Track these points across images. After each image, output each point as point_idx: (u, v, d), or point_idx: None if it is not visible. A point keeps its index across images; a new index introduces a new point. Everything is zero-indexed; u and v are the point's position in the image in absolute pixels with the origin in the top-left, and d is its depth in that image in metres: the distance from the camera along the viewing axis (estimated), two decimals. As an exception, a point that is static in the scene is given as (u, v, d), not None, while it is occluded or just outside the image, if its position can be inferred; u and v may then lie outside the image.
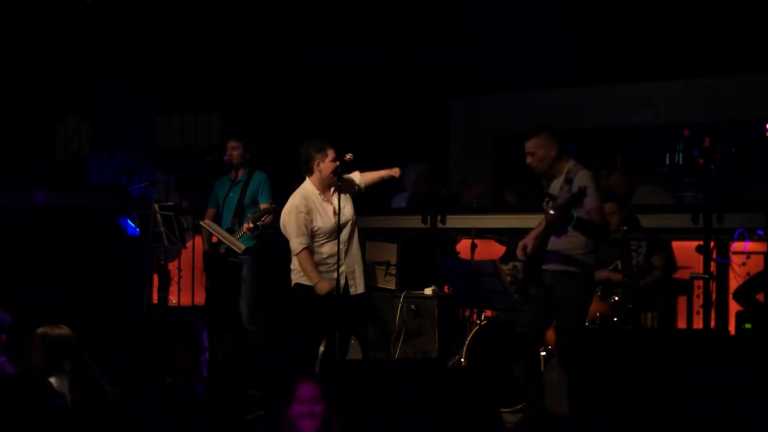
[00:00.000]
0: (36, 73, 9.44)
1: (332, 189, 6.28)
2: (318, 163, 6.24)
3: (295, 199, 6.30)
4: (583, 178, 5.59)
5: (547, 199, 5.79)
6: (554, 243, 5.65)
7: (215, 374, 7.27)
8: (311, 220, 6.25)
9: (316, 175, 6.28)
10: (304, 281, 6.28)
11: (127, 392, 4.81)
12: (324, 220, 6.27)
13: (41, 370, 4.60)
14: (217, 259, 7.37)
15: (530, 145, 5.81)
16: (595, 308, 6.64)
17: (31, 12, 9.38)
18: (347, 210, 6.29)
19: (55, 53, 9.81)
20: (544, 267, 5.72)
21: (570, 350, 5.76)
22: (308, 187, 6.32)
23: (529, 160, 5.83)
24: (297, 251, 6.23)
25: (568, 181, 5.58)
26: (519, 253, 5.82)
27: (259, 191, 7.36)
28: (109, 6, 10.28)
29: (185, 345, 4.95)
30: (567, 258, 5.68)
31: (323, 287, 6.16)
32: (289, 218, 6.25)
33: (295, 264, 6.36)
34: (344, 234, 6.25)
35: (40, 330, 4.75)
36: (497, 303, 6.25)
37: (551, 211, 5.45)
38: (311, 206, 6.26)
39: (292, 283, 6.41)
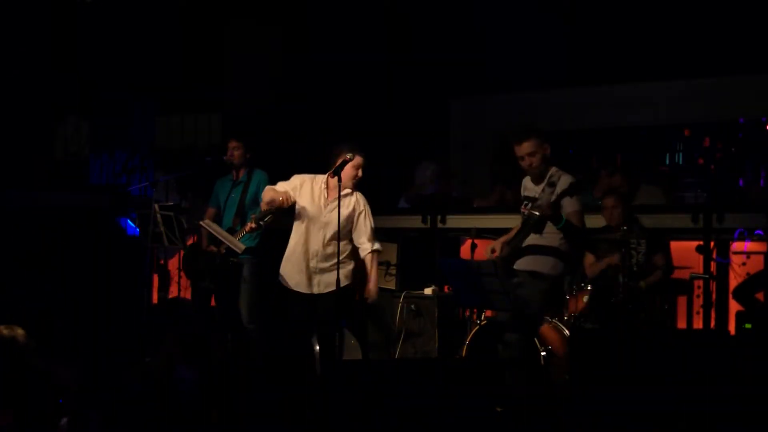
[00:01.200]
0: (36, 73, 9.45)
1: (344, 192, 6.27)
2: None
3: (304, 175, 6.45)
4: (566, 182, 5.63)
5: (525, 202, 5.86)
6: (530, 240, 5.71)
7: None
8: (296, 195, 6.33)
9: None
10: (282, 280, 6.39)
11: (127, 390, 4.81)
12: (311, 204, 6.34)
13: None
14: (200, 255, 7.37)
15: (528, 147, 5.82)
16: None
17: (31, 12, 9.38)
18: (339, 214, 6.21)
19: (55, 53, 9.82)
20: (515, 267, 5.80)
21: (521, 346, 5.81)
22: (323, 176, 6.39)
23: (528, 161, 5.85)
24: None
25: (551, 184, 5.62)
26: (486, 254, 5.89)
27: (260, 190, 7.36)
28: (109, 6, 10.29)
29: (173, 330, 4.91)
30: (538, 258, 5.76)
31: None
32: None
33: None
34: (321, 233, 6.30)
35: None
36: (497, 303, 6.23)
37: (536, 212, 5.49)
38: (309, 186, 6.38)
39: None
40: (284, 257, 6.43)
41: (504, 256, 5.76)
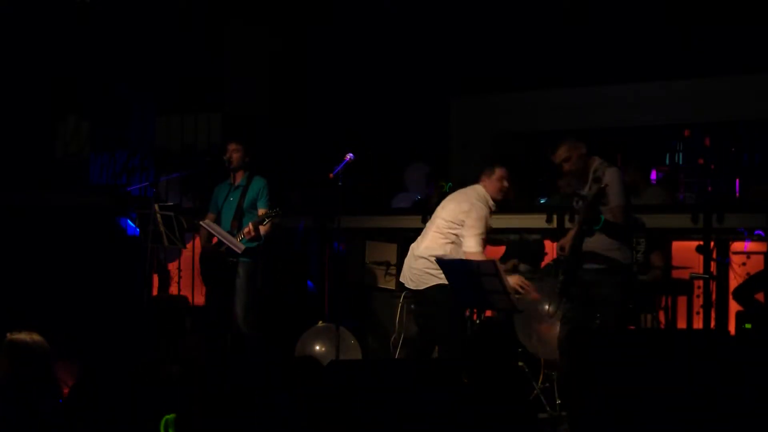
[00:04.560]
0: (36, 73, 9.46)
1: None
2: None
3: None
4: (609, 176, 5.72)
5: (577, 199, 5.92)
6: (587, 243, 5.79)
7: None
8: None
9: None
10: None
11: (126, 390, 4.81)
12: None
13: (9, 378, 4.49)
14: (214, 259, 7.36)
15: (562, 153, 5.95)
16: None
17: (32, 12, 9.39)
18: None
19: (55, 53, 9.83)
20: (584, 266, 5.83)
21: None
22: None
23: (566, 166, 5.94)
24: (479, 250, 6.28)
25: (596, 180, 5.72)
26: (557, 252, 5.97)
27: (258, 197, 7.36)
28: (109, 6, 10.29)
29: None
30: (602, 256, 5.81)
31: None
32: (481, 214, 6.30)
33: (429, 266, 6.46)
34: None
35: (10, 336, 4.59)
36: (497, 303, 6.24)
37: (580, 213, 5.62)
38: None
39: (429, 285, 6.50)
40: None
41: (573, 254, 5.82)
